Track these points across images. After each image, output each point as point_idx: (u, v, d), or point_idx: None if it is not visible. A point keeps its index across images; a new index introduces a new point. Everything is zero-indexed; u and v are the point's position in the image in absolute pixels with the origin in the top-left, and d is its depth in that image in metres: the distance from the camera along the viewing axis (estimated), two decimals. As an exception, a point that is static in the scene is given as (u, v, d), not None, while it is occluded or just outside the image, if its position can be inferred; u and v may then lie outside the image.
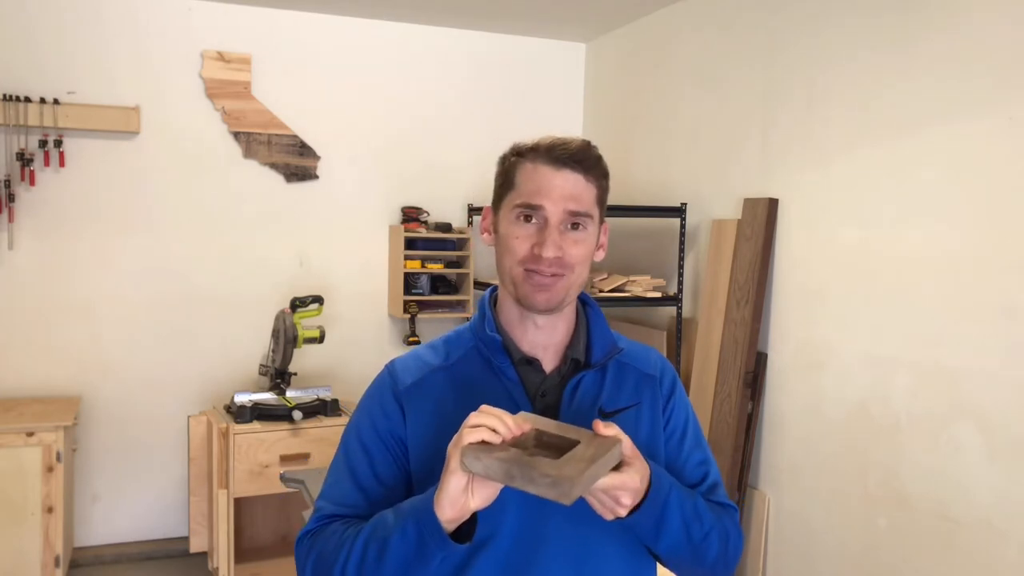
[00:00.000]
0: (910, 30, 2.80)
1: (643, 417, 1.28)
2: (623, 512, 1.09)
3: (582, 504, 1.08)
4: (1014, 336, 2.46)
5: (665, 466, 1.28)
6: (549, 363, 1.26)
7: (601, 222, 1.25)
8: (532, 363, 1.25)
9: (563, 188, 1.18)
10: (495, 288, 1.31)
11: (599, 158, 1.22)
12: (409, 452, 1.23)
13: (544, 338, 1.25)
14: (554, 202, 1.17)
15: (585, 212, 1.19)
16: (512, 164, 1.23)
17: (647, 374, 1.31)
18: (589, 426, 1.23)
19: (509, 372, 1.23)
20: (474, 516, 1.08)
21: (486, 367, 1.25)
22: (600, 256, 1.28)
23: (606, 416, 1.24)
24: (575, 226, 1.19)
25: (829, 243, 3.13)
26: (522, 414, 1.09)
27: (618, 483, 1.06)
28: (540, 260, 1.17)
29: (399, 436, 1.23)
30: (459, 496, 1.05)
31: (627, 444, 1.09)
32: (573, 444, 1.05)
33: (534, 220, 1.19)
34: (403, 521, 1.09)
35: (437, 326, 4.55)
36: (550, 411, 1.23)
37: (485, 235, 1.29)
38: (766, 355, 3.42)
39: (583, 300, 1.33)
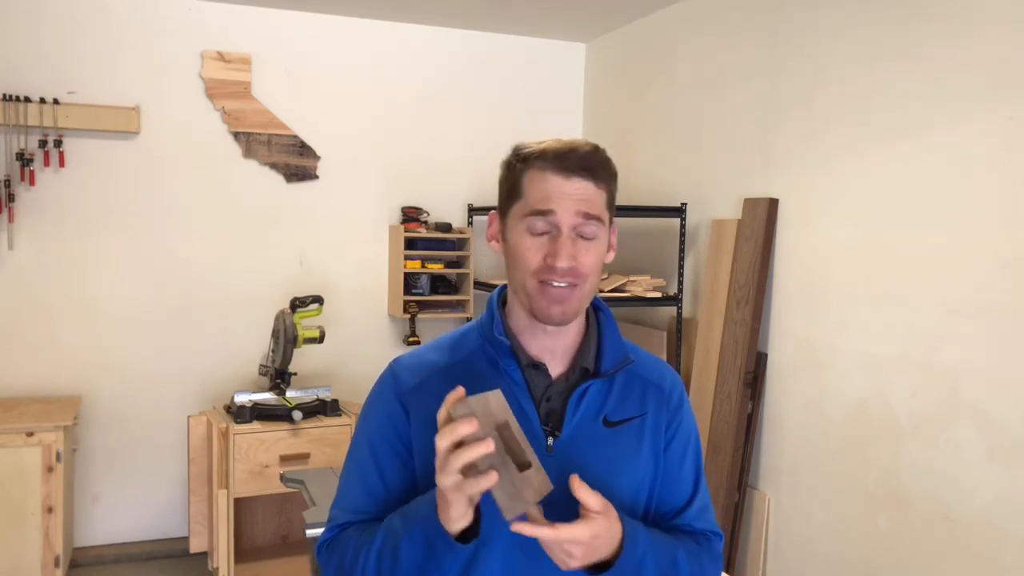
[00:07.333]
0: (911, 30, 2.80)
1: (647, 428, 1.27)
2: (574, 564, 1.08)
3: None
4: (1014, 336, 2.46)
5: (659, 483, 1.28)
6: (556, 368, 1.25)
7: (610, 223, 1.24)
8: (539, 367, 1.24)
9: (574, 195, 1.16)
10: (503, 288, 1.29)
11: (607, 161, 1.20)
12: (415, 454, 1.23)
13: (553, 343, 1.24)
14: (566, 209, 1.15)
15: (597, 216, 1.17)
16: (519, 172, 1.20)
17: (656, 385, 1.30)
18: (591, 433, 1.23)
19: (515, 375, 1.22)
20: (478, 513, 1.09)
21: (491, 368, 1.24)
22: (610, 257, 1.26)
23: (610, 426, 1.24)
24: (587, 234, 1.17)
25: (829, 243, 3.13)
26: (496, 396, 1.05)
27: (566, 535, 1.05)
28: (554, 271, 1.15)
29: (405, 439, 1.23)
30: (460, 516, 1.05)
31: (597, 501, 1.08)
32: (526, 462, 1.05)
33: (546, 230, 1.17)
34: (411, 528, 1.11)
35: (437, 326, 4.55)
36: (554, 416, 1.22)
37: (493, 243, 1.27)
38: (766, 355, 3.42)
39: (596, 306, 1.31)
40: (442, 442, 1.01)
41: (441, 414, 1.04)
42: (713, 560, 1.30)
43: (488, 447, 1.00)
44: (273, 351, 3.78)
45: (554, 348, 1.24)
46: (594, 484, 1.16)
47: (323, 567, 1.26)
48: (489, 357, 1.25)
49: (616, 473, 1.23)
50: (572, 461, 1.20)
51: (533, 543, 1.12)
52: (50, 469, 3.50)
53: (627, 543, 1.12)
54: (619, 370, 1.26)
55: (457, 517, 1.05)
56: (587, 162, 1.17)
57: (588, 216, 1.16)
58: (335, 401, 3.76)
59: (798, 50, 3.29)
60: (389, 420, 1.24)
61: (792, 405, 3.30)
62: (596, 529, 1.07)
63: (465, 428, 1.00)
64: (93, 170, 4.00)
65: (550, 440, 1.21)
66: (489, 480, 1.00)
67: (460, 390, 1.04)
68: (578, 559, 1.08)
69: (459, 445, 1.01)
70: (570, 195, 1.16)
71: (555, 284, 1.16)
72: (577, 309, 1.19)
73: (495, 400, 1.04)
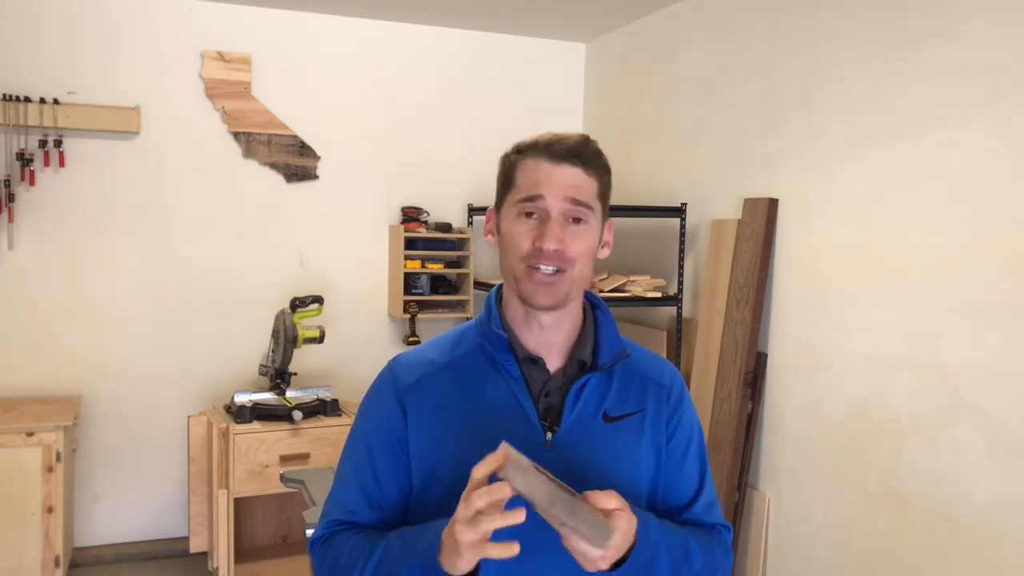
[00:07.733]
0: (911, 30, 2.80)
1: (647, 424, 1.27)
2: (604, 566, 1.07)
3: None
4: (1014, 335, 2.46)
5: (662, 479, 1.27)
6: (554, 363, 1.25)
7: (604, 219, 1.25)
8: (536, 362, 1.24)
9: (563, 180, 1.17)
10: (501, 286, 1.30)
11: (598, 152, 1.22)
12: (410, 452, 1.23)
13: (549, 337, 1.24)
14: (554, 193, 1.17)
15: (586, 203, 1.19)
16: (512, 163, 1.22)
17: (656, 381, 1.30)
18: (591, 429, 1.23)
19: (513, 370, 1.23)
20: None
21: (490, 365, 1.24)
22: (605, 254, 1.27)
23: (610, 421, 1.24)
24: (576, 220, 1.19)
25: (829, 243, 3.13)
26: (507, 448, 1.04)
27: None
28: (541, 254, 1.16)
29: (401, 437, 1.23)
30: (467, 567, 1.06)
31: (615, 500, 1.08)
32: (570, 491, 1.04)
33: (535, 215, 1.18)
34: (410, 559, 1.11)
35: (437, 326, 4.55)
36: (553, 411, 1.22)
37: (489, 237, 1.28)
38: (766, 355, 3.42)
39: (593, 302, 1.31)
40: (480, 502, 1.01)
41: (481, 471, 1.02)
42: (724, 552, 1.30)
43: (520, 517, 1.00)
44: (273, 351, 3.78)
45: (550, 342, 1.25)
46: (594, 479, 1.15)
47: (316, 563, 1.26)
48: (487, 354, 1.25)
49: (615, 468, 1.22)
50: (570, 457, 1.20)
51: (526, 547, 1.11)
52: (50, 469, 3.50)
53: (640, 534, 1.11)
54: (616, 363, 1.26)
55: (464, 567, 1.05)
56: (576, 150, 1.19)
57: (577, 202, 1.18)
58: (335, 401, 3.76)
59: (798, 50, 3.29)
60: (387, 421, 1.24)
61: (792, 405, 3.30)
62: (622, 526, 1.07)
63: (506, 492, 1.00)
64: (93, 170, 4.00)
65: (548, 435, 1.21)
66: (511, 550, 1.01)
67: (504, 447, 1.02)
68: (609, 559, 1.07)
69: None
70: (559, 180, 1.17)
71: (542, 268, 1.17)
72: (566, 294, 1.20)
73: (514, 451, 1.03)
